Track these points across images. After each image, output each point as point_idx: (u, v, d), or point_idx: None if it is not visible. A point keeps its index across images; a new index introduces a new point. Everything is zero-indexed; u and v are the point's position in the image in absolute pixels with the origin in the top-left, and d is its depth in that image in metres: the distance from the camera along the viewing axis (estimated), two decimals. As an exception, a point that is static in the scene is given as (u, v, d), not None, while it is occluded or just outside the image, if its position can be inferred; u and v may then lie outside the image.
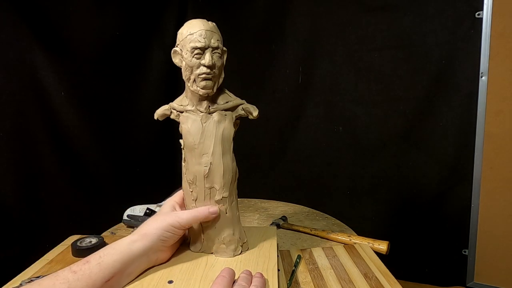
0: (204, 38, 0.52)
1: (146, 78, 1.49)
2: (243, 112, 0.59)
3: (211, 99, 0.57)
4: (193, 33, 0.53)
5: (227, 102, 0.58)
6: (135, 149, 1.45)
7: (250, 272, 0.51)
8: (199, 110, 0.56)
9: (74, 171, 1.20)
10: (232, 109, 0.58)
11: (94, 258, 0.49)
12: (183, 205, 0.62)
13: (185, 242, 0.63)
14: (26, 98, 1.07)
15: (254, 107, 0.59)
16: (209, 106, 0.56)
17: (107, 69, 1.32)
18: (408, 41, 1.32)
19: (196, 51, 0.53)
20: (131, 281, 0.52)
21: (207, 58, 0.53)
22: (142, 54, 1.47)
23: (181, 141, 0.59)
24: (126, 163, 1.40)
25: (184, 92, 0.59)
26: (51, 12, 1.12)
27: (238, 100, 0.59)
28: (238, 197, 0.61)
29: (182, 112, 0.58)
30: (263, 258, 0.58)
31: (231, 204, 0.59)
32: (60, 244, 0.75)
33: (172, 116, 0.60)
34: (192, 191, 0.58)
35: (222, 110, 0.57)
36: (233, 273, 0.50)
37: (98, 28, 1.28)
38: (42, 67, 1.10)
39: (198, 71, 0.54)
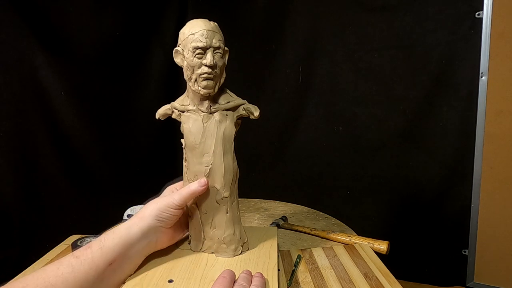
0: (205, 38, 0.52)
1: (146, 78, 1.49)
2: (244, 112, 0.59)
3: (213, 99, 0.57)
4: (195, 33, 0.53)
5: (228, 102, 0.58)
6: (135, 149, 1.45)
7: (250, 272, 0.51)
8: (200, 110, 0.57)
9: (74, 171, 1.20)
10: (234, 109, 0.58)
11: (96, 243, 0.49)
12: None
13: (186, 240, 0.63)
14: (26, 98, 1.07)
15: (256, 107, 0.59)
16: (211, 106, 0.56)
17: (107, 69, 1.32)
18: (408, 41, 1.32)
19: (197, 51, 0.53)
20: (134, 272, 0.53)
21: (208, 58, 0.53)
22: (142, 54, 1.47)
23: (182, 140, 0.59)
24: (126, 163, 1.40)
25: (186, 92, 0.59)
26: (51, 12, 1.12)
27: (239, 100, 0.59)
28: (238, 197, 0.61)
29: (183, 111, 0.58)
30: (263, 258, 0.58)
31: (231, 204, 0.59)
32: (60, 244, 0.76)
33: (173, 116, 0.60)
34: None
35: (223, 110, 0.57)
36: (233, 275, 0.50)
37: (98, 28, 1.28)
38: (42, 67, 1.10)
39: (199, 71, 0.54)
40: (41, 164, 1.12)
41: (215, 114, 0.57)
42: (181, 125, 0.59)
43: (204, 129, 0.56)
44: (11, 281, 0.45)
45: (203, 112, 0.56)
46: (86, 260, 0.47)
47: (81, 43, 1.22)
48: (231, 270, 0.50)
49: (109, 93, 1.33)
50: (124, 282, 0.52)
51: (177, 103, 0.59)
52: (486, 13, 1.20)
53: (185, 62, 0.55)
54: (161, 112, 0.61)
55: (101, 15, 1.29)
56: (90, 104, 1.25)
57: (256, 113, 0.58)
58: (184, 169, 0.60)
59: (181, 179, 0.62)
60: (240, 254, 0.59)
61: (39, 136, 1.11)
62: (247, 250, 0.60)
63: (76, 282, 0.45)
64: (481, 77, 1.24)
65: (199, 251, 0.60)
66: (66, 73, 1.16)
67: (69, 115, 1.18)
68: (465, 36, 1.24)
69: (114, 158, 1.33)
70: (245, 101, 0.59)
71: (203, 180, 0.56)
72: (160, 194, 0.62)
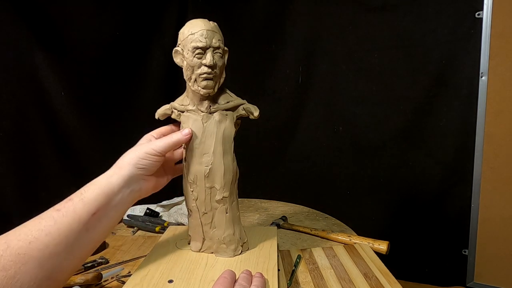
0: (205, 38, 0.52)
1: (146, 78, 1.49)
2: (244, 112, 0.59)
3: (212, 99, 0.57)
4: (195, 32, 0.53)
5: (228, 102, 0.58)
6: (135, 149, 1.45)
7: (250, 272, 0.51)
8: (200, 110, 0.57)
9: (74, 171, 1.20)
10: (233, 109, 0.58)
11: (76, 195, 0.49)
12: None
13: (186, 240, 0.63)
14: (26, 98, 1.07)
15: (255, 107, 0.59)
16: (210, 106, 0.56)
17: (107, 69, 1.31)
18: (408, 41, 1.32)
19: (197, 51, 0.53)
20: (127, 276, 0.52)
21: (208, 58, 0.53)
22: (142, 54, 1.47)
23: None
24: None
25: (185, 91, 0.59)
26: (51, 12, 1.12)
27: (239, 100, 0.59)
28: (238, 197, 0.61)
29: (183, 111, 0.58)
30: (263, 258, 0.58)
31: (231, 204, 0.59)
32: (60, 244, 0.75)
33: (173, 116, 0.60)
34: (192, 191, 0.58)
35: (223, 110, 0.57)
36: (234, 275, 0.50)
37: (98, 28, 1.28)
38: (42, 67, 1.10)
39: (199, 71, 0.54)
40: (41, 164, 1.11)
41: (214, 114, 0.57)
42: (180, 125, 0.59)
43: (204, 129, 0.56)
44: None
45: (202, 112, 0.56)
46: (68, 212, 0.46)
47: (81, 43, 1.22)
48: (232, 271, 0.50)
49: (109, 93, 1.33)
50: (112, 229, 0.53)
51: (176, 103, 0.59)
52: (486, 13, 1.20)
53: (185, 62, 0.55)
54: (161, 112, 0.61)
55: (101, 15, 1.29)
56: (90, 104, 1.25)
57: (256, 113, 0.58)
58: (184, 170, 0.60)
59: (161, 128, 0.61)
60: (240, 254, 0.59)
61: (39, 136, 1.11)
62: (247, 250, 0.60)
63: (60, 233, 0.45)
64: (481, 77, 1.24)
65: (199, 251, 0.60)
66: (66, 73, 1.16)
67: (69, 115, 1.18)
68: (465, 36, 1.24)
69: (114, 158, 1.33)
70: (245, 101, 0.59)
71: (187, 129, 0.56)
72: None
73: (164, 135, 0.60)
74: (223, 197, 0.57)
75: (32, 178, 1.10)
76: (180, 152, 0.62)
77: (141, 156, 0.54)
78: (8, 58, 1.03)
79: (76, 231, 0.46)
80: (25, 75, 1.07)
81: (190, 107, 0.57)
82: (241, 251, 0.60)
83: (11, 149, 1.04)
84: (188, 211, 0.61)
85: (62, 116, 1.16)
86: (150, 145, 0.54)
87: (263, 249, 0.61)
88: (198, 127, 0.56)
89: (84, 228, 0.47)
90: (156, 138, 0.59)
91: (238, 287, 0.47)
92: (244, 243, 0.60)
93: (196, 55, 0.53)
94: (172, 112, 0.60)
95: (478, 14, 1.21)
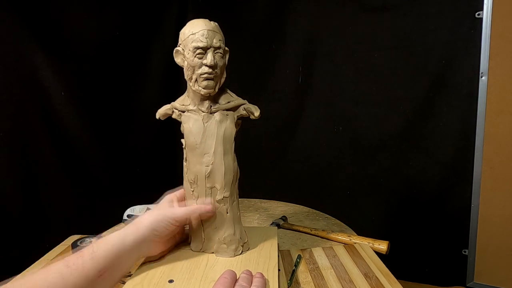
0: (206, 38, 0.52)
1: (146, 78, 1.49)
2: (244, 112, 0.59)
3: (213, 98, 0.57)
4: (195, 32, 0.53)
5: (228, 102, 0.58)
6: (135, 149, 1.45)
7: (251, 272, 0.51)
8: (200, 110, 0.56)
9: (74, 171, 1.20)
10: (234, 109, 0.58)
11: (88, 251, 0.48)
12: (182, 201, 0.61)
13: (186, 241, 0.63)
14: (26, 98, 1.07)
15: (256, 107, 0.59)
16: (211, 106, 0.56)
17: (107, 69, 1.31)
18: (408, 41, 1.32)
19: (198, 51, 0.53)
20: (127, 276, 0.52)
21: (209, 58, 0.53)
22: (142, 54, 1.47)
23: (182, 140, 0.59)
24: (126, 163, 1.40)
25: (186, 91, 0.59)
26: (51, 12, 1.12)
27: (239, 100, 0.59)
28: (239, 197, 0.61)
29: (183, 111, 0.58)
30: (263, 258, 0.58)
31: (232, 204, 0.59)
32: (60, 244, 0.76)
33: (173, 116, 0.60)
34: (193, 191, 0.58)
35: (223, 110, 0.57)
36: (234, 275, 0.50)
37: (98, 28, 1.28)
38: (42, 67, 1.10)
39: (200, 71, 0.54)
40: (41, 164, 1.12)
41: (215, 114, 0.57)
42: (181, 125, 0.59)
43: (205, 129, 0.56)
44: None
45: (203, 112, 0.56)
46: (76, 270, 0.46)
47: (81, 43, 1.22)
48: (232, 271, 0.50)
49: (109, 93, 1.33)
50: None
51: (177, 103, 0.59)
52: (486, 13, 1.20)
53: (186, 62, 0.55)
54: (162, 112, 0.61)
55: (101, 15, 1.29)
56: (90, 104, 1.25)
57: (257, 113, 0.58)
58: (185, 169, 0.59)
59: (182, 188, 0.62)
60: (240, 254, 0.59)
61: (39, 136, 1.11)
62: (247, 250, 0.60)
63: None
64: (481, 77, 1.24)
65: (200, 251, 0.60)
66: (66, 73, 1.16)
67: (69, 115, 1.18)
68: (465, 36, 1.24)
69: (114, 158, 1.33)
70: (245, 101, 0.59)
71: (209, 207, 0.56)
72: (159, 201, 0.61)
73: (185, 196, 0.60)
74: (223, 197, 0.57)
75: (32, 178, 1.10)
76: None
77: (160, 222, 0.53)
78: (8, 58, 1.03)
79: None
80: (25, 75, 1.07)
81: (190, 107, 0.57)
82: (242, 251, 0.60)
83: (11, 149, 1.04)
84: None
85: (62, 116, 1.17)
86: (172, 211, 0.55)
87: (264, 249, 0.61)
88: (198, 127, 0.56)
89: (90, 286, 0.47)
90: (179, 200, 0.60)
91: (238, 287, 0.47)
92: (244, 243, 0.60)
93: (197, 55, 0.53)
94: (173, 112, 0.60)
95: (478, 14, 1.21)
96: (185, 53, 0.54)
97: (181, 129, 0.59)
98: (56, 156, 1.15)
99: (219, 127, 0.56)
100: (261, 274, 0.51)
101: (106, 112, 1.32)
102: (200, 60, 0.53)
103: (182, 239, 0.63)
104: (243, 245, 0.60)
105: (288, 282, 0.61)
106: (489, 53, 1.22)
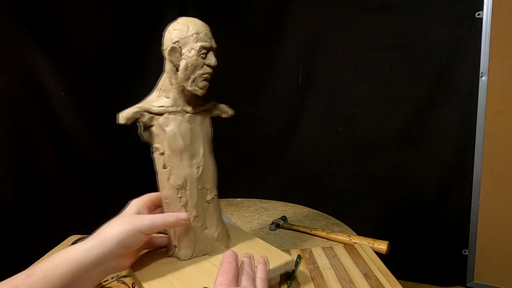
0: (209, 38, 0.52)
1: (146, 78, 1.49)
2: (218, 111, 0.59)
3: (195, 99, 0.56)
4: (199, 32, 0.52)
5: (207, 102, 0.58)
6: (135, 149, 1.45)
7: (252, 256, 0.51)
8: (185, 111, 0.55)
9: (74, 171, 1.20)
10: (210, 109, 0.59)
11: (40, 269, 0.42)
12: (152, 208, 0.57)
13: (151, 250, 0.60)
14: (26, 98, 1.07)
15: (228, 106, 0.60)
16: (195, 107, 0.56)
17: (107, 69, 1.31)
18: (408, 41, 1.32)
19: (203, 51, 0.52)
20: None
21: (213, 59, 0.53)
22: (142, 54, 1.47)
23: (157, 146, 0.55)
24: (126, 163, 1.40)
25: (156, 91, 0.56)
26: (51, 12, 1.12)
27: (213, 101, 0.59)
28: (239, 198, 0.62)
29: (162, 114, 0.54)
30: (250, 242, 0.60)
31: (217, 201, 0.60)
32: (60, 244, 0.76)
33: (143, 120, 0.54)
34: (181, 197, 0.55)
35: (203, 110, 0.57)
36: (236, 256, 0.49)
37: (98, 28, 1.28)
38: (42, 67, 1.11)
39: (201, 71, 0.53)
40: (41, 164, 1.12)
41: (197, 114, 0.56)
42: (149, 129, 0.55)
43: (192, 131, 0.55)
44: None
45: (188, 113, 0.55)
46: None
47: (81, 43, 1.22)
48: (233, 252, 0.50)
49: (109, 93, 1.33)
50: None
51: (150, 105, 0.54)
52: (486, 13, 1.20)
53: (184, 61, 0.52)
54: (129, 116, 0.54)
55: (101, 15, 1.29)
56: (90, 104, 1.25)
57: (230, 111, 0.60)
58: (164, 176, 0.55)
59: (149, 195, 0.57)
60: (231, 246, 0.61)
61: (39, 136, 1.11)
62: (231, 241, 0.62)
63: None
64: (481, 77, 1.24)
65: (191, 258, 0.57)
66: (66, 73, 1.16)
67: (69, 115, 1.18)
68: (465, 36, 1.24)
69: (114, 158, 1.33)
70: (215, 101, 0.59)
71: (183, 215, 0.53)
72: (123, 210, 0.55)
73: (154, 203, 0.56)
74: (214, 196, 0.58)
75: (32, 178, 1.10)
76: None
77: (129, 233, 0.47)
78: (8, 58, 1.03)
79: None
80: (25, 75, 1.07)
81: (172, 109, 0.54)
82: (231, 241, 0.61)
83: (11, 149, 1.04)
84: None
85: (62, 116, 1.17)
86: (141, 222, 0.49)
87: (244, 235, 0.63)
88: (185, 129, 0.54)
89: None
90: (148, 207, 0.55)
91: (245, 276, 0.46)
92: (228, 234, 0.62)
93: (201, 55, 0.52)
94: (142, 115, 0.54)
95: (478, 14, 1.21)
96: (185, 51, 0.52)
97: (145, 134, 0.56)
98: (56, 156, 1.15)
99: (202, 127, 0.57)
100: (265, 258, 0.51)
101: (106, 112, 1.32)
102: (203, 60, 0.52)
103: (148, 248, 0.59)
104: (229, 236, 0.62)
105: (288, 282, 0.61)
106: (489, 53, 1.22)
